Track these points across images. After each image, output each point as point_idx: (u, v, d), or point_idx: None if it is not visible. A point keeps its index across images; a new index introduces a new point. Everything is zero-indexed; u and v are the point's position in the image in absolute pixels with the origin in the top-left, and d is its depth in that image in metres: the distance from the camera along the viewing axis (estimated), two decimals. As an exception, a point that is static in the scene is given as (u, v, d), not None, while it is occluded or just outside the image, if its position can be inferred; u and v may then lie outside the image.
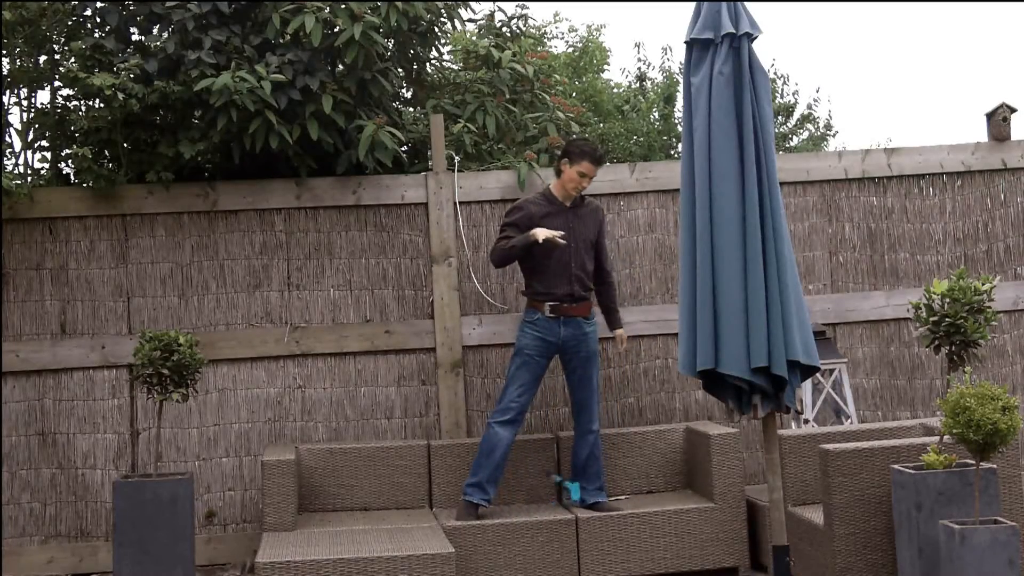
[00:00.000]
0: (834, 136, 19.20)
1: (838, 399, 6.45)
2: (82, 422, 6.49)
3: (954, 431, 4.40)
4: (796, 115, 18.96)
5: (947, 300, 5.10)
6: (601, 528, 5.84)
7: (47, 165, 6.93)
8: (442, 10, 7.21)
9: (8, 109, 6.85)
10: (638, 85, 18.24)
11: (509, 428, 5.95)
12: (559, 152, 6.34)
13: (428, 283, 6.70)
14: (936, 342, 5.15)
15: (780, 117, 18.40)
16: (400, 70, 7.43)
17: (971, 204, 7.03)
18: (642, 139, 16.71)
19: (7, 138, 6.81)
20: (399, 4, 6.64)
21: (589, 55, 17.71)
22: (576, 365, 6.08)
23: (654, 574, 5.86)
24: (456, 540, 5.62)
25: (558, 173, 6.13)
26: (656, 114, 17.31)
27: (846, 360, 6.60)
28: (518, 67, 7.34)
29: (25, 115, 6.92)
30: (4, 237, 6.48)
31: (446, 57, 8.08)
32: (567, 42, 18.30)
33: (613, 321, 6.31)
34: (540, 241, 5.86)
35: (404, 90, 7.75)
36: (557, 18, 18.33)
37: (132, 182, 6.65)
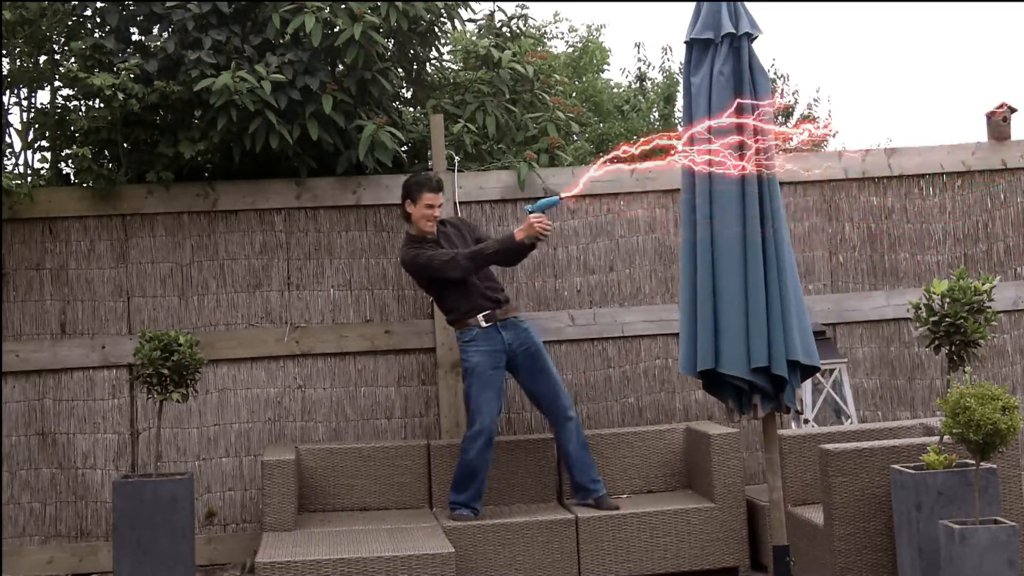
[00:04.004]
0: (834, 136, 19.17)
1: (838, 399, 6.45)
2: (82, 422, 6.49)
3: (954, 431, 4.40)
4: (796, 115, 18.95)
5: (947, 300, 5.09)
6: (601, 528, 5.83)
7: (47, 165, 6.93)
8: (442, 10, 7.21)
9: (8, 109, 6.85)
10: (638, 85, 18.23)
11: (486, 450, 5.90)
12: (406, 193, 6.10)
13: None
14: (936, 342, 5.15)
15: (780, 117, 18.39)
16: (400, 70, 7.43)
17: (971, 204, 7.02)
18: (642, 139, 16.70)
19: (7, 138, 6.81)
20: (399, 4, 6.64)
21: (589, 55, 17.70)
22: (527, 363, 6.02)
23: (654, 574, 5.86)
24: (456, 540, 5.61)
25: (408, 218, 6.06)
26: (656, 114, 17.30)
27: (846, 360, 6.60)
28: (518, 67, 7.33)
29: (25, 115, 6.92)
30: (4, 237, 6.48)
31: (446, 57, 8.08)
32: (567, 42, 18.29)
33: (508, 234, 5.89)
34: (520, 240, 5.71)
35: (404, 90, 7.75)
36: (557, 18, 18.28)
37: (132, 182, 6.65)
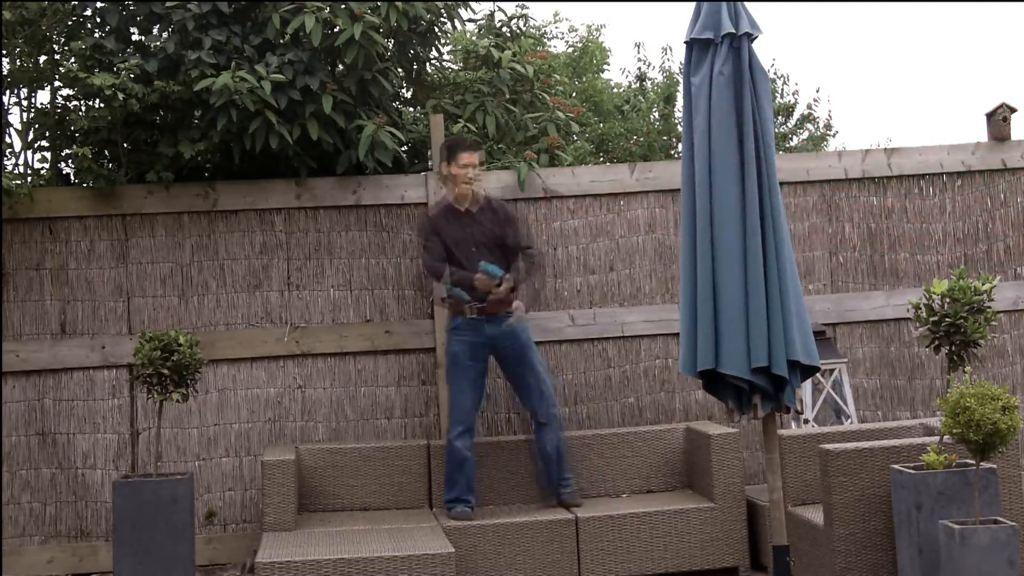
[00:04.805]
0: (834, 136, 19.14)
1: (838, 399, 6.45)
2: (82, 422, 6.49)
3: (954, 431, 4.40)
4: (796, 115, 18.94)
5: (947, 300, 5.10)
6: (601, 528, 5.83)
7: (47, 165, 6.93)
8: (442, 10, 7.21)
9: (8, 109, 6.85)
10: (638, 85, 18.22)
11: (467, 438, 5.95)
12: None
13: (428, 283, 6.69)
14: (936, 342, 5.15)
15: (780, 117, 18.37)
16: (400, 70, 7.43)
17: (971, 204, 7.03)
18: (642, 139, 16.68)
19: (7, 138, 6.81)
20: (399, 4, 6.64)
21: (589, 55, 17.69)
22: (511, 357, 6.06)
23: (654, 574, 5.86)
24: (456, 540, 5.62)
25: (449, 179, 6.13)
26: (656, 114, 17.30)
27: (846, 360, 6.60)
28: (518, 67, 7.34)
29: (25, 115, 6.92)
30: (4, 237, 6.48)
31: (446, 57, 8.09)
32: (567, 42, 18.28)
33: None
34: (473, 284, 5.91)
35: (404, 90, 7.75)
36: (557, 18, 18.26)
37: (132, 182, 6.66)
